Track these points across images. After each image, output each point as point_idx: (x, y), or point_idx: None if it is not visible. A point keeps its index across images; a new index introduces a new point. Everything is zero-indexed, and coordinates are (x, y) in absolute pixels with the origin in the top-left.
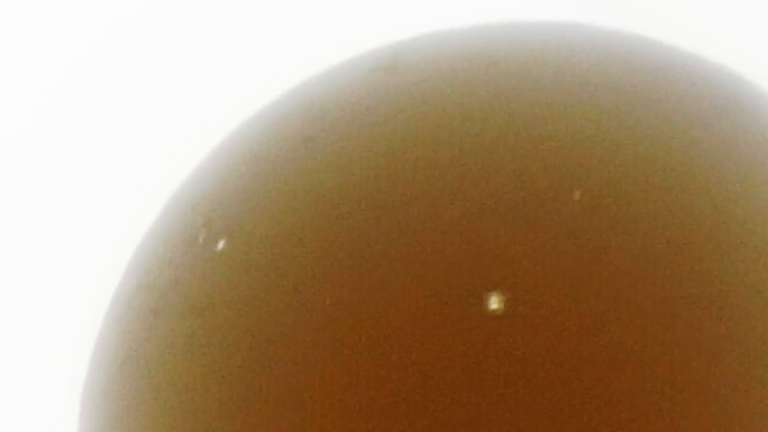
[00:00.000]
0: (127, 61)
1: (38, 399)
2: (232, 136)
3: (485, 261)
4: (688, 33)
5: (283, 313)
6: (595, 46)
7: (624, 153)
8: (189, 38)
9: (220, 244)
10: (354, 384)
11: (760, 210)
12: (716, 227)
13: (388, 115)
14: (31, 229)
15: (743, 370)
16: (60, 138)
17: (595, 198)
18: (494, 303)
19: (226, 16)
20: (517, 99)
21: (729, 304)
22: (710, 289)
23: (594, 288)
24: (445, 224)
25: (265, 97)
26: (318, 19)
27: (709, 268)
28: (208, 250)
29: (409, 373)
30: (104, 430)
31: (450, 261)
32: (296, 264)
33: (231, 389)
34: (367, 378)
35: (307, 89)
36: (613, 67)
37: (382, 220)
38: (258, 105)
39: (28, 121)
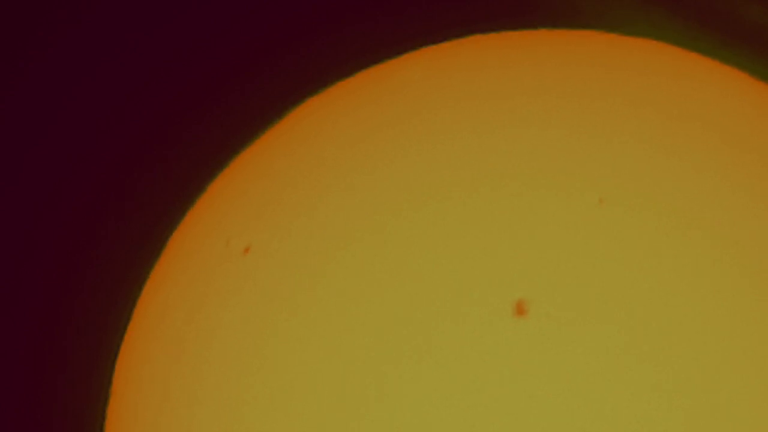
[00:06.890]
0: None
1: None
2: (261, 142)
3: (510, 267)
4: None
5: (311, 318)
6: (605, 51)
7: (640, 157)
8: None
9: (247, 250)
10: (376, 387)
11: None
12: (737, 229)
13: (411, 124)
14: (55, 236)
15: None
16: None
17: (615, 202)
18: (519, 309)
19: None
20: (529, 105)
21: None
22: (734, 292)
23: (616, 292)
24: (470, 231)
25: (289, 104)
26: (336, 30)
27: (730, 271)
28: (235, 255)
29: (433, 379)
30: None
31: (475, 267)
32: (325, 269)
33: (259, 394)
34: (391, 381)
35: (333, 97)
36: (624, 72)
37: (408, 226)
38: (283, 112)
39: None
